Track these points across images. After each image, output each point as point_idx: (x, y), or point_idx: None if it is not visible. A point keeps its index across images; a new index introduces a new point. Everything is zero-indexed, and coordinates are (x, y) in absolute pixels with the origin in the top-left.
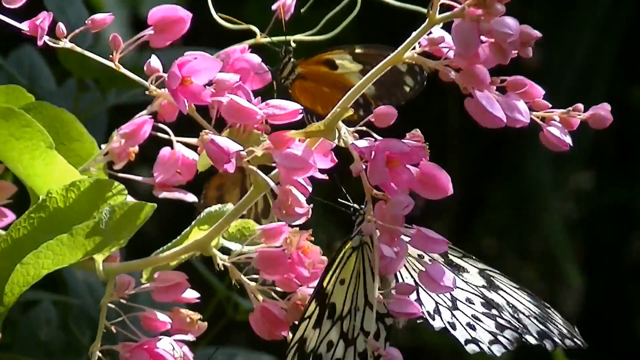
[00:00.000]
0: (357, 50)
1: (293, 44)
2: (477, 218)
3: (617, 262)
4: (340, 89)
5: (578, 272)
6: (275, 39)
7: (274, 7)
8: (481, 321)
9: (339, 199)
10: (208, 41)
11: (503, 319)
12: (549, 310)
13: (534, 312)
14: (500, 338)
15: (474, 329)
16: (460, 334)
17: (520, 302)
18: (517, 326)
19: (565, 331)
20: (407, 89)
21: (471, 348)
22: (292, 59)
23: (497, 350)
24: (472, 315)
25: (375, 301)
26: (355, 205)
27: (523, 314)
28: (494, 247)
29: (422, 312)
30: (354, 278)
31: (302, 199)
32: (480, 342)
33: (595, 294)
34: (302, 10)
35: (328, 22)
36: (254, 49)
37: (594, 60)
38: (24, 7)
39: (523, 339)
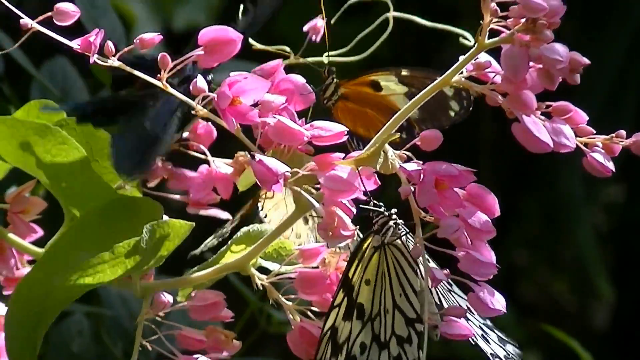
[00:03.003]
0: (404, 73)
1: (324, 60)
2: (509, 229)
3: None
4: (383, 111)
5: (609, 285)
6: (309, 59)
7: (305, 28)
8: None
9: (361, 205)
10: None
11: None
12: None
13: None
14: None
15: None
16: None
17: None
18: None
19: None
20: (452, 113)
21: None
22: (335, 79)
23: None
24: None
25: (426, 320)
26: (383, 209)
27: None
28: (524, 258)
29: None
30: (380, 279)
31: (348, 220)
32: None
33: (626, 307)
34: (332, 21)
35: (359, 40)
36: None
37: (626, 73)
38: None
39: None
